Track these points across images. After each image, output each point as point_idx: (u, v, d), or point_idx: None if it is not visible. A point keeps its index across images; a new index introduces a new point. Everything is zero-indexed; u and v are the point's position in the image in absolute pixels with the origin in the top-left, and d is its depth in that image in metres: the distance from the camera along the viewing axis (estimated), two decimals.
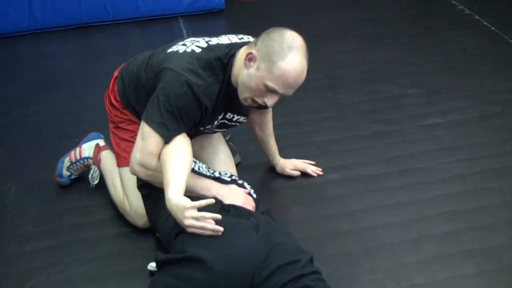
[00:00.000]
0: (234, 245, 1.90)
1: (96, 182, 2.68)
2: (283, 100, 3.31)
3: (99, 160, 2.61)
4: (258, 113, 2.60)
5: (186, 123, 2.11)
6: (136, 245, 2.44)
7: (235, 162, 2.88)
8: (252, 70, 2.05)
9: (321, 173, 2.78)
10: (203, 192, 2.19)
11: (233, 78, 2.15)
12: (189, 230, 1.90)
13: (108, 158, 2.58)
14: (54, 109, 3.44)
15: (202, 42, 2.18)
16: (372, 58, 3.81)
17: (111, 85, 2.43)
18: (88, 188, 2.73)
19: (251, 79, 2.05)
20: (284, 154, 2.84)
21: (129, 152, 2.25)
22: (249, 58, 2.05)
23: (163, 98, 2.06)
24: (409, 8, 4.59)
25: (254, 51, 2.04)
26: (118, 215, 2.55)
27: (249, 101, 2.13)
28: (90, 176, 2.70)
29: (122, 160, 2.44)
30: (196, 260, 1.84)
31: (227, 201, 2.20)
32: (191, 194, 2.16)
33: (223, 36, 2.26)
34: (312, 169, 2.79)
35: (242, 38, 2.26)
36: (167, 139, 2.08)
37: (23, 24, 4.41)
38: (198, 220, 1.88)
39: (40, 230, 2.55)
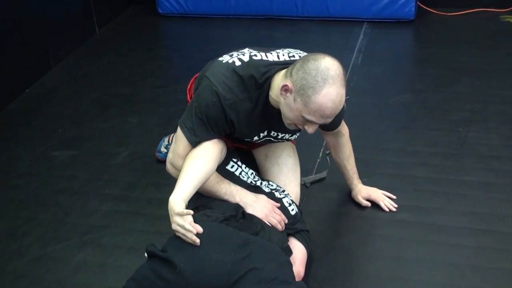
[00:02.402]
0: (207, 257, 1.91)
1: None
2: (405, 126, 3.24)
3: None
4: (332, 136, 2.52)
5: (216, 131, 2.15)
6: None
7: (319, 177, 2.85)
8: (289, 101, 2.02)
9: (394, 209, 2.60)
10: (226, 197, 2.22)
11: (271, 100, 2.13)
12: (176, 233, 1.99)
13: None
14: None
15: (246, 55, 2.15)
16: None
17: (189, 84, 2.52)
18: None
19: (289, 109, 2.04)
20: (373, 182, 2.73)
21: None
22: (285, 89, 2.02)
23: (196, 105, 2.12)
24: None
25: (289, 84, 2.00)
26: None
27: (293, 126, 2.13)
28: None
29: None
30: (170, 262, 1.92)
31: (249, 210, 2.21)
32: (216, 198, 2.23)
33: (273, 51, 2.21)
34: (386, 203, 2.62)
35: (293, 56, 2.19)
36: (193, 144, 2.14)
37: (218, 8, 4.79)
38: (181, 227, 1.95)
39: (121, 194, 2.85)
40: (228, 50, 2.25)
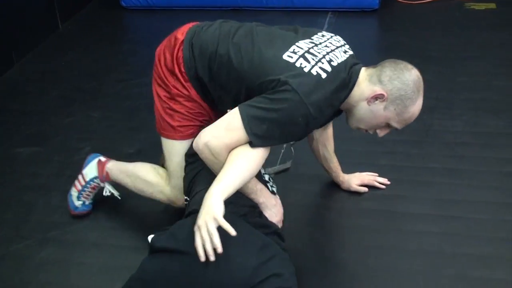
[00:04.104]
0: (229, 259, 1.81)
1: (117, 193, 2.60)
2: None
3: (106, 174, 2.54)
4: (321, 129, 2.46)
5: (282, 142, 2.13)
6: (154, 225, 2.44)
7: (283, 167, 2.84)
8: (376, 108, 2.04)
9: (389, 182, 2.65)
10: (252, 195, 2.13)
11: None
12: (196, 229, 1.79)
13: (116, 166, 2.53)
14: None
15: (325, 63, 2.00)
16: (499, 86, 3.38)
17: (176, 48, 2.19)
18: None
19: (374, 116, 2.06)
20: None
21: (185, 126, 2.25)
22: (376, 97, 2.02)
23: (275, 116, 1.94)
24: None
25: (384, 93, 2.00)
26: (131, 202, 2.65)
27: (362, 130, 2.17)
28: (107, 194, 2.59)
29: (177, 132, 2.28)
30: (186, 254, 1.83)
31: (266, 212, 2.16)
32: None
33: (328, 45, 2.09)
34: (380, 181, 2.66)
35: (346, 52, 2.12)
36: (252, 147, 1.97)
37: (182, 0, 4.75)
38: (207, 232, 1.76)
39: None
40: None
